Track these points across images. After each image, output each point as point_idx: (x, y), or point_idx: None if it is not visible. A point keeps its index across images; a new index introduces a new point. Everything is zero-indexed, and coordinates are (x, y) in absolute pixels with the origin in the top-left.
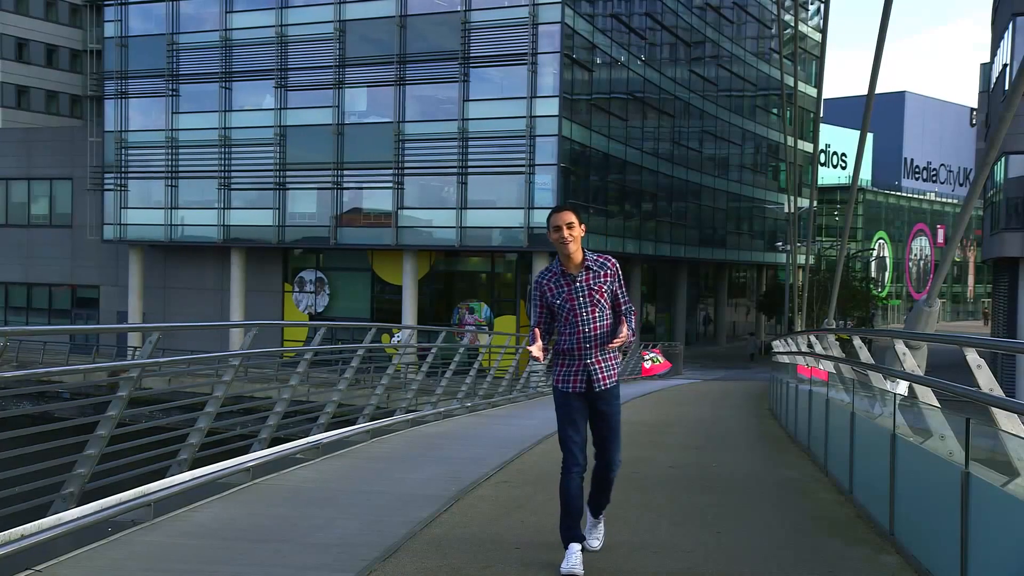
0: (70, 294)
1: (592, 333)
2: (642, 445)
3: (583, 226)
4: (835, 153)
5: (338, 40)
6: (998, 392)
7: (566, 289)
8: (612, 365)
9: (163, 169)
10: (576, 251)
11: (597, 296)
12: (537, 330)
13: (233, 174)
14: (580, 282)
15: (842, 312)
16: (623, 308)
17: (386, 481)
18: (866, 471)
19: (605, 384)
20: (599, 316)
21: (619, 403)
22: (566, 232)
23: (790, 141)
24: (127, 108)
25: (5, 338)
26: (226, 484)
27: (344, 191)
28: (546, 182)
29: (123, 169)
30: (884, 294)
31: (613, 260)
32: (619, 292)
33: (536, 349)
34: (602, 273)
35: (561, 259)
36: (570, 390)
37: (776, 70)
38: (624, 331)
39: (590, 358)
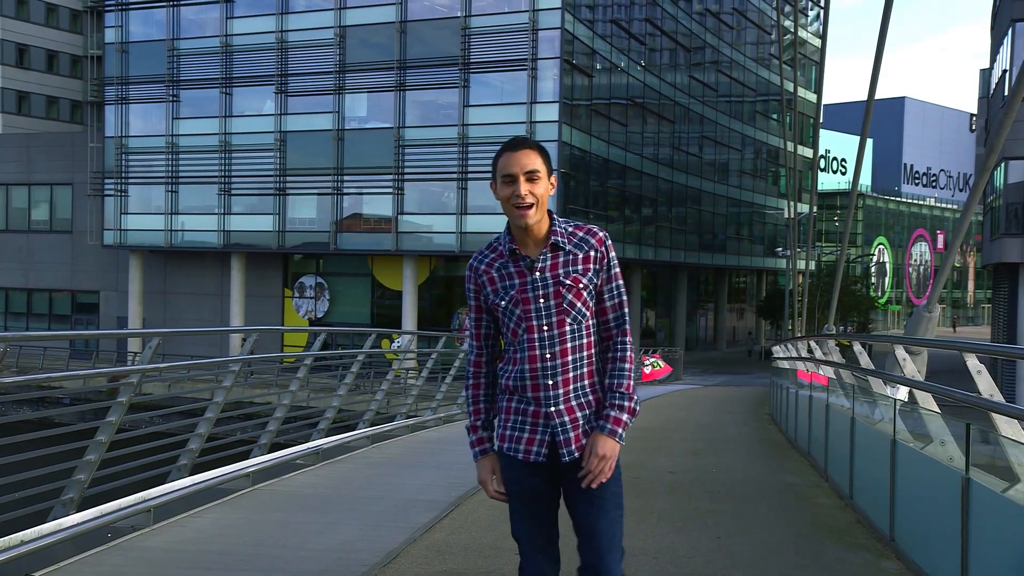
0: (70, 299)
1: (558, 361)
2: (642, 450)
3: (554, 179)
4: (835, 158)
5: (338, 46)
6: (998, 397)
7: (517, 281)
8: (594, 415)
9: (163, 174)
10: (538, 221)
11: (570, 296)
12: (479, 425)
13: (233, 179)
14: (542, 271)
15: (842, 317)
16: (611, 318)
17: (386, 486)
18: (866, 476)
19: (580, 449)
20: (572, 331)
21: (618, 473)
22: (523, 187)
23: (790, 146)
24: (127, 113)
25: (5, 343)
26: (226, 490)
27: (344, 196)
28: None
29: (123, 174)
30: (884, 300)
31: (600, 233)
32: (607, 287)
33: (492, 484)
34: (580, 256)
35: (513, 232)
36: (521, 458)
37: (776, 75)
38: (606, 445)
39: (555, 404)
